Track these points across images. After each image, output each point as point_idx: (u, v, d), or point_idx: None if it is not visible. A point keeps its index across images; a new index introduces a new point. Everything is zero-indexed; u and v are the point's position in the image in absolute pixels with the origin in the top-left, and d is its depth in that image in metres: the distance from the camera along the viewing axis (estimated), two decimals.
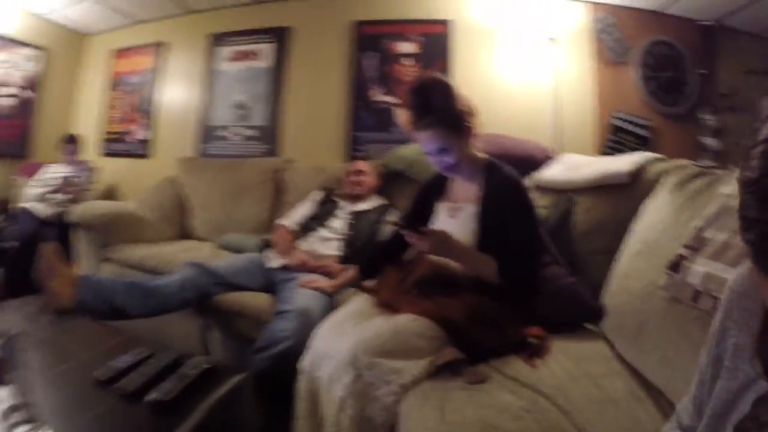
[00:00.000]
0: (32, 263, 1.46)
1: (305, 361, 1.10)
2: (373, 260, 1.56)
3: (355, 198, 2.09)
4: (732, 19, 2.99)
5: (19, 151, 3.34)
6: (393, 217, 2.05)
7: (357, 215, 1.97)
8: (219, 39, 3.17)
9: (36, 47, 3.38)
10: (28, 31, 3.32)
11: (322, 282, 1.58)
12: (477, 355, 1.01)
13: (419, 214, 1.45)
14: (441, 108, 1.22)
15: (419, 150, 2.26)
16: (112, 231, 2.26)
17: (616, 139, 2.83)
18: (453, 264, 1.24)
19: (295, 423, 1.09)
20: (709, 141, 3.01)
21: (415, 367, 0.95)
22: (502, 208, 1.21)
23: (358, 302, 1.27)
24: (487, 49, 2.78)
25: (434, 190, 1.47)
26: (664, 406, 0.87)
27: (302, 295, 1.50)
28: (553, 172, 1.84)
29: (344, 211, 1.99)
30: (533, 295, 1.22)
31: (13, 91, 3.26)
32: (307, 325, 1.34)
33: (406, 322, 1.05)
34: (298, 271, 1.69)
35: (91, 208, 2.31)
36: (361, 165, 2.20)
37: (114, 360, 1.00)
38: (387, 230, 2.00)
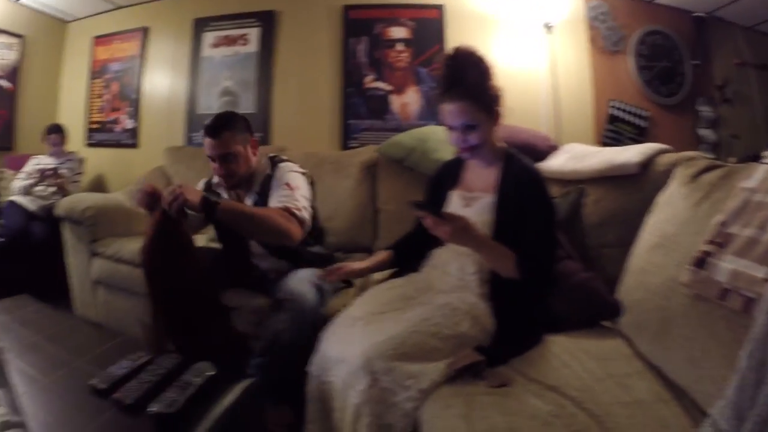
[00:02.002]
0: (20, 260, 1.30)
1: (314, 365, 1.07)
2: (401, 247, 1.43)
3: (236, 189, 1.59)
4: (724, 11, 2.97)
5: (2, 142, 3.20)
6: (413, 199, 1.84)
7: None
8: (203, 24, 3.07)
9: (13, 35, 3.22)
10: (4, 18, 3.16)
11: (355, 264, 1.39)
12: (496, 357, 0.98)
13: (432, 204, 1.35)
14: (475, 83, 1.15)
15: (418, 137, 2.22)
16: (102, 224, 2.14)
17: (613, 129, 2.81)
18: (468, 252, 1.16)
19: (306, 427, 1.06)
20: (706, 132, 3.00)
21: (433, 371, 0.92)
22: (520, 200, 1.15)
23: (366, 301, 1.22)
24: (481, 35, 2.71)
25: (447, 178, 1.37)
26: (688, 406, 0.85)
27: (292, 281, 1.40)
28: (558, 162, 1.80)
29: None
30: (550, 291, 1.18)
31: None
32: (302, 311, 1.27)
33: (420, 321, 1.02)
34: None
35: (78, 200, 2.19)
36: (233, 146, 1.46)
37: (111, 366, 0.96)
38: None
